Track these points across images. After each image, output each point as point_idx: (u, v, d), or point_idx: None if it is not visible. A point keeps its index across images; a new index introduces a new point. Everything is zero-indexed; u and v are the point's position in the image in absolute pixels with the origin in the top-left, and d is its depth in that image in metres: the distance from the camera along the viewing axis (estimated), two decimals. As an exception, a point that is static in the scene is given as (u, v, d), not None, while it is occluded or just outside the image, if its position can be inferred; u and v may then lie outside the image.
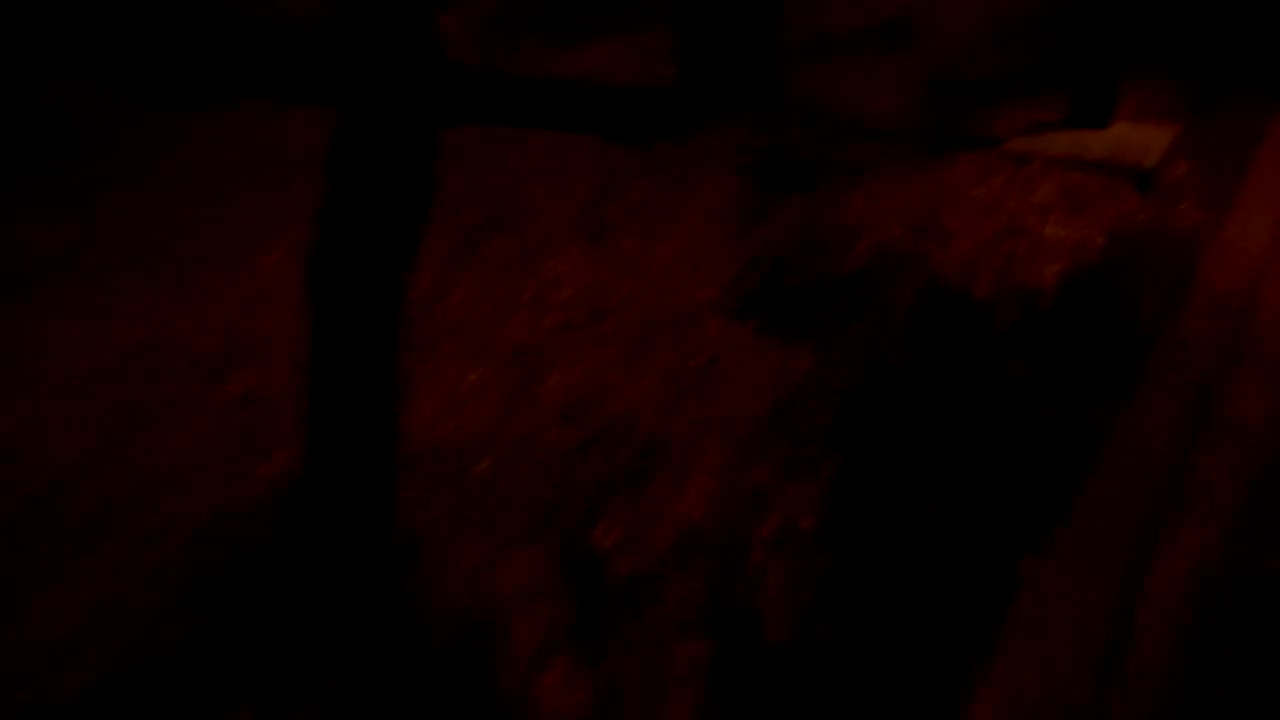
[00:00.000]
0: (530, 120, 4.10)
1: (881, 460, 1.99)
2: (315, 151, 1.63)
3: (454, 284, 2.76)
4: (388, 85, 1.41)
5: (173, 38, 4.73)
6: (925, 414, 2.12)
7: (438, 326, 2.54)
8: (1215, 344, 2.28)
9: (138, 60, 4.42)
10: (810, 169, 3.42)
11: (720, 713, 1.50)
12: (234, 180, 3.54)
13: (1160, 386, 2.15)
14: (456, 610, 1.64)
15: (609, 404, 2.18)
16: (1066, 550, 1.72)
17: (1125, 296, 2.51)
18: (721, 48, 3.76)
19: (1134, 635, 1.58)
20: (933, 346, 2.36)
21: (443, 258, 2.93)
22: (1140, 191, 3.04)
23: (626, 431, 2.09)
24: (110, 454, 2.04)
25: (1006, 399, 2.16)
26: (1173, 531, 1.77)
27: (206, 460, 2.02)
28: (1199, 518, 1.80)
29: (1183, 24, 4.57)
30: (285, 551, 1.68)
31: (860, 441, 2.05)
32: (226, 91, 4.25)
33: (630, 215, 3.15)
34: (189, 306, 2.69)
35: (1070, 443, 2.02)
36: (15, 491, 1.91)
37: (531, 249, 2.96)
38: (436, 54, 1.43)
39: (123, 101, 4.05)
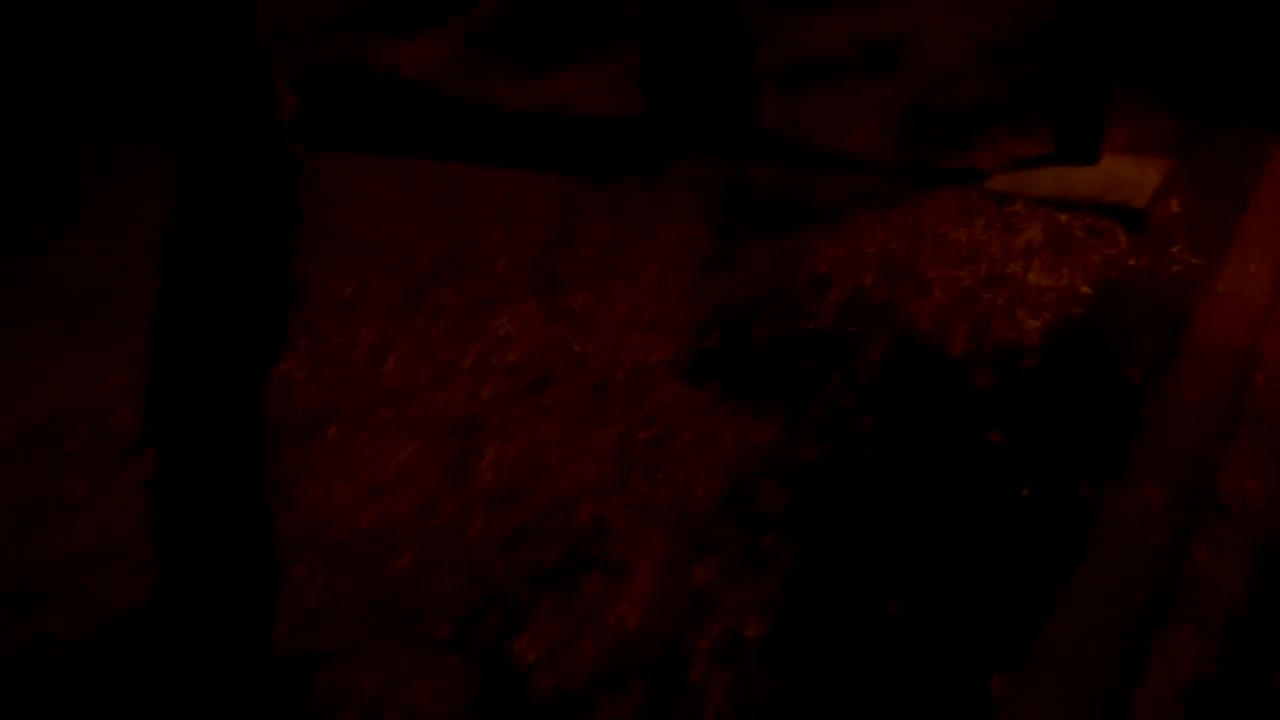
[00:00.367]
0: (494, 156, 3.94)
1: (840, 553, 1.80)
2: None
3: (395, 344, 2.58)
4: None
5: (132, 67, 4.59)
6: (891, 496, 1.94)
7: (372, 395, 2.36)
8: (1211, 409, 2.09)
9: (101, 90, 4.28)
10: (782, 209, 3.24)
11: None
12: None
13: (1151, 460, 1.96)
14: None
15: (548, 485, 2.00)
16: (1044, 664, 1.53)
17: (1112, 354, 2.33)
18: (689, 78, 3.59)
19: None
20: (903, 413, 2.18)
21: (388, 311, 2.76)
22: (1130, 233, 2.86)
23: (564, 520, 1.90)
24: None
25: (982, 476, 1.97)
26: (1164, 640, 1.58)
27: (98, 559, 1.83)
28: (1194, 622, 1.61)
29: (1177, 47, 4.40)
30: (156, 677, 1.50)
31: (818, 529, 1.86)
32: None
33: (589, 263, 2.97)
34: (115, 368, 2.51)
35: (1051, 530, 1.83)
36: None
37: (482, 302, 2.78)
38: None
39: (80, 130, 3.91)
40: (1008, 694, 1.49)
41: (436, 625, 1.66)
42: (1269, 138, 3.42)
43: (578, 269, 2.93)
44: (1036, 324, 2.47)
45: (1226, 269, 2.62)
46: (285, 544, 1.84)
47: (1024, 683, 1.49)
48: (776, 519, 1.88)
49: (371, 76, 5.09)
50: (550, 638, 1.62)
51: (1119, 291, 2.58)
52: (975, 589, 1.70)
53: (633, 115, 3.90)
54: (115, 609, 1.69)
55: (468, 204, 3.52)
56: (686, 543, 1.82)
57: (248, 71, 1.22)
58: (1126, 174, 3.08)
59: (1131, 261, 2.72)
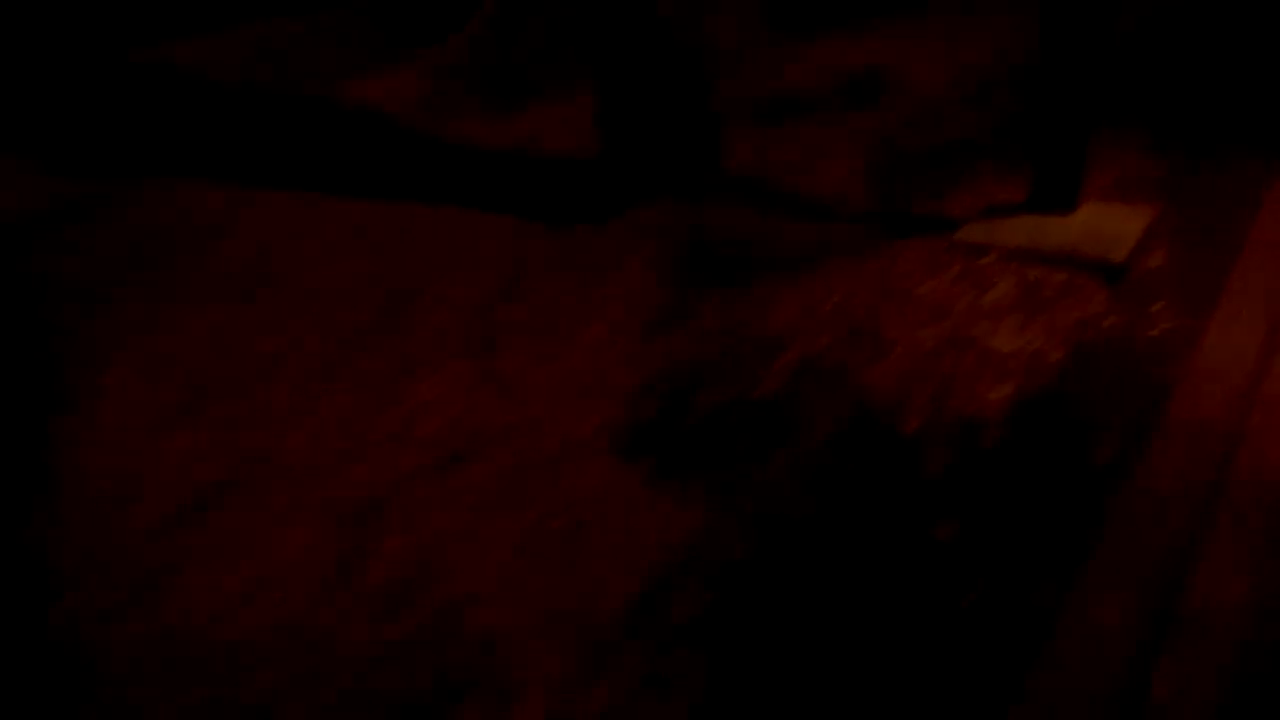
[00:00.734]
0: (450, 197, 3.78)
1: (754, 675, 1.60)
2: None
3: (310, 409, 2.41)
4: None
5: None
6: (817, 604, 1.73)
7: (274, 471, 2.18)
8: (1186, 501, 1.89)
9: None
10: (742, 260, 3.06)
11: None
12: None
13: (1114, 566, 1.75)
14: None
15: (442, 588, 1.80)
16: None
17: (1080, 432, 2.12)
18: (645, 120, 3.42)
19: None
20: (846, 499, 1.98)
21: (309, 373, 2.59)
22: (1109, 289, 2.66)
23: (454, 628, 1.71)
24: None
25: (923, 581, 1.77)
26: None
27: None
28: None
29: (1170, 81, 4.21)
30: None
31: (734, 645, 1.66)
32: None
33: (530, 319, 2.79)
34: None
35: (998, 646, 1.62)
36: None
37: (412, 361, 2.61)
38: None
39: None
40: None
41: (290, 762, 1.47)
42: (1264, 178, 3.21)
43: (517, 326, 2.75)
44: (1000, 395, 2.27)
45: (1210, 332, 2.42)
46: (138, 657, 1.66)
47: None
48: (690, 631, 1.68)
49: (336, 110, 4.95)
50: (415, 783, 1.42)
51: (1092, 357, 2.38)
52: (905, 723, 1.50)
53: (596, 155, 3.74)
54: None
55: (415, 250, 3.35)
56: (586, 661, 1.62)
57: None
58: (1107, 223, 2.88)
59: (1108, 322, 2.52)
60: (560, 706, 1.53)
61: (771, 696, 1.56)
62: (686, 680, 1.58)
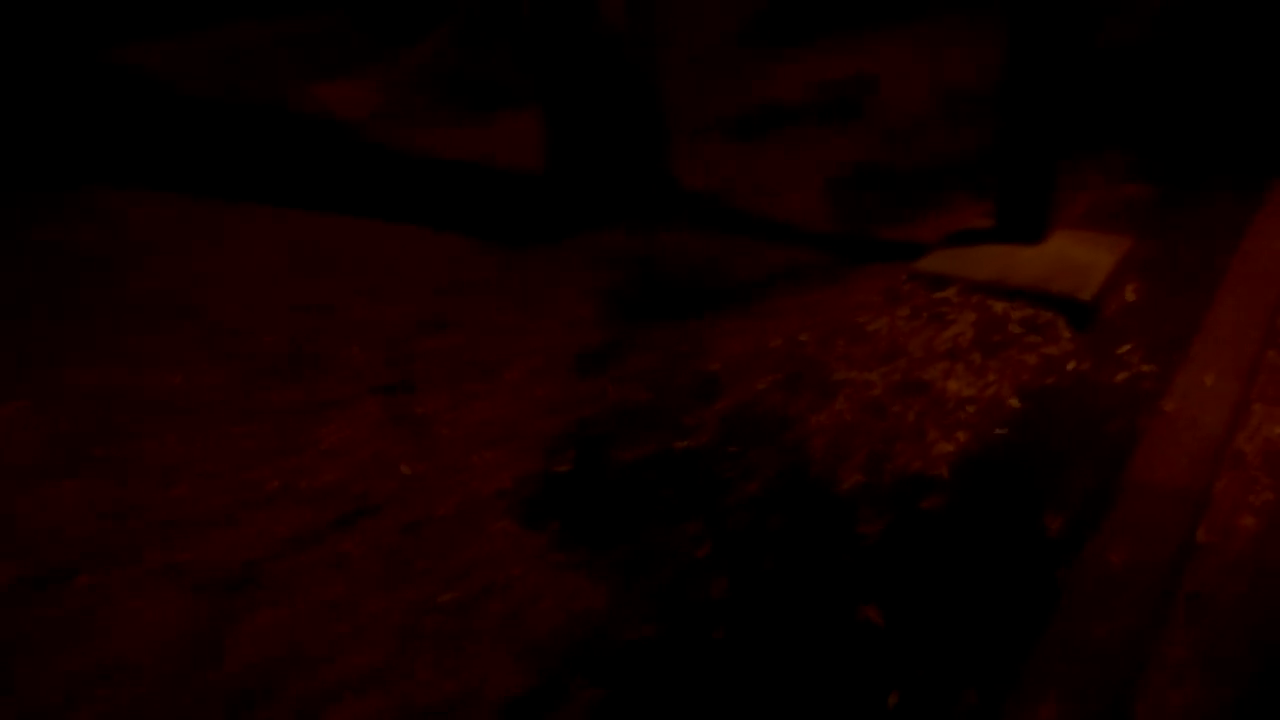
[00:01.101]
0: (394, 212, 3.59)
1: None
2: None
3: (201, 456, 2.22)
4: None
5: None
6: (723, 701, 1.54)
7: (148, 529, 1.99)
8: (1141, 582, 1.69)
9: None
10: (689, 289, 2.87)
11: None
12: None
13: (1057, 660, 1.56)
14: None
15: (311, 675, 1.61)
16: None
17: (1033, 494, 1.93)
18: (591, 137, 3.23)
19: None
20: (767, 575, 1.79)
21: (208, 411, 2.40)
22: (1075, 329, 2.47)
23: (310, 730, 1.52)
24: None
25: (846, 673, 1.58)
26: None
27: None
28: None
29: (1151, 101, 4.02)
30: None
31: (624, 754, 1.47)
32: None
33: (455, 352, 2.61)
34: None
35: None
36: None
37: (319, 403, 2.42)
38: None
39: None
40: None
41: None
42: (1247, 205, 3.02)
43: (440, 360, 2.57)
44: (948, 449, 2.08)
45: (1179, 380, 2.22)
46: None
47: None
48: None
49: (288, 117, 4.76)
50: None
51: (1052, 407, 2.19)
52: None
53: (543, 175, 3.55)
54: None
55: (348, 270, 3.17)
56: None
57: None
58: (1076, 256, 2.68)
59: (1072, 366, 2.33)
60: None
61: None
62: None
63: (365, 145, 4.39)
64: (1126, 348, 2.38)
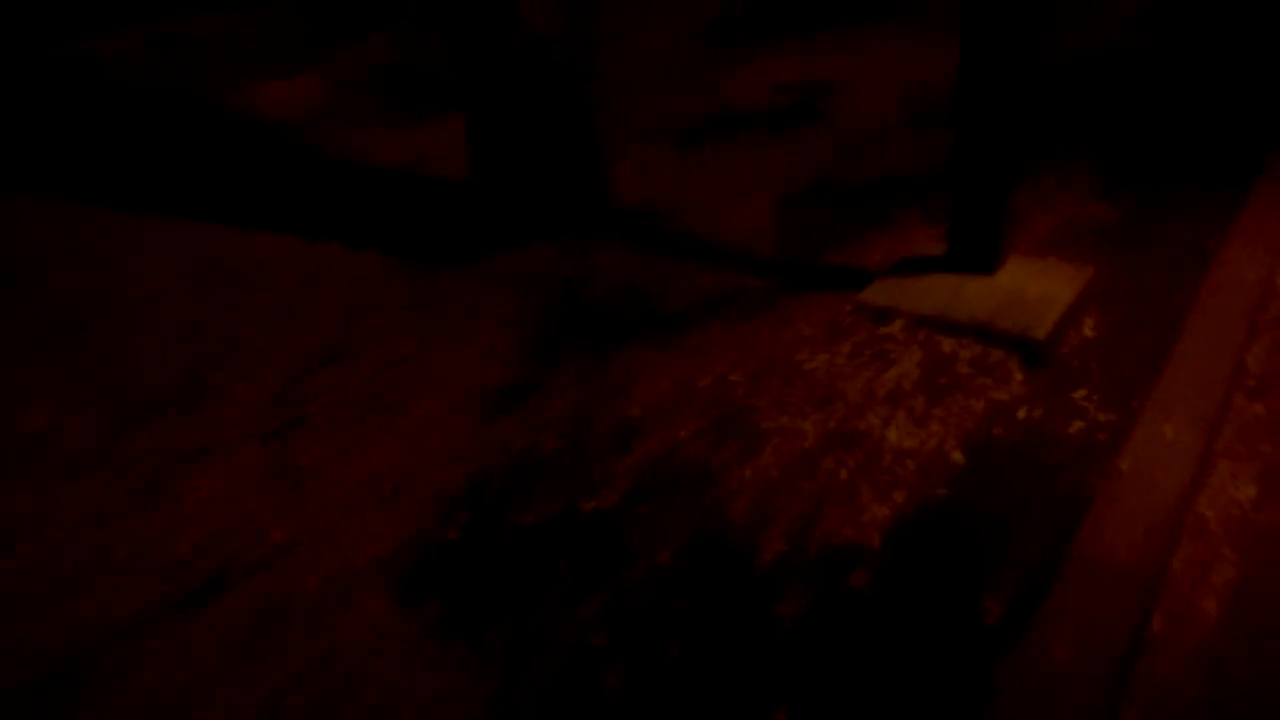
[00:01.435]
0: (311, 228, 3.34)
1: None
2: None
3: (53, 513, 1.98)
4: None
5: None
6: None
7: (-30, 607, 1.74)
8: (1085, 682, 1.49)
9: None
10: (617, 318, 2.65)
11: None
12: None
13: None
14: None
15: (119, 799, 1.38)
16: None
17: (972, 568, 1.73)
18: (516, 148, 2.99)
19: None
20: (667, 668, 1.57)
21: (73, 457, 2.15)
22: (1029, 368, 2.27)
23: None
24: None
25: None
26: None
27: None
28: None
29: (1120, 117, 3.83)
30: None
31: None
32: None
33: (354, 390, 2.37)
34: None
35: None
36: None
37: (198, 444, 2.18)
38: None
39: None
40: None
41: None
42: (1217, 222, 2.84)
43: (334, 400, 2.33)
44: (883, 513, 1.87)
45: (1137, 434, 2.03)
46: None
47: None
48: None
49: (223, 118, 4.50)
50: None
51: (998, 462, 1.99)
52: None
53: (465, 189, 3.32)
54: None
55: (253, 293, 2.92)
56: None
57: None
58: (1031, 288, 2.49)
59: (1022, 413, 2.13)
60: None
61: None
62: None
63: (292, 152, 4.13)
64: (1082, 392, 2.18)
